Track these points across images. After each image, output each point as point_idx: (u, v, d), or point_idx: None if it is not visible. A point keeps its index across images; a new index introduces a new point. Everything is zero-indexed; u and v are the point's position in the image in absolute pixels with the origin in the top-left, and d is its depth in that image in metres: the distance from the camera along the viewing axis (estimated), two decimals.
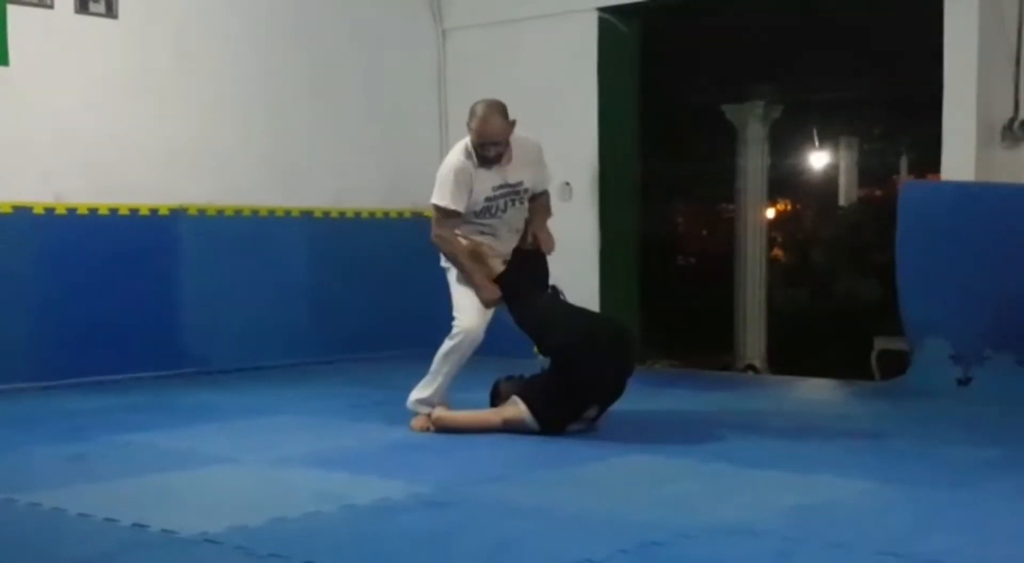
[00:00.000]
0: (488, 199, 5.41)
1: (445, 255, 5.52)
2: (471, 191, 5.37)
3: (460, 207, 5.37)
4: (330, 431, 5.41)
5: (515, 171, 5.45)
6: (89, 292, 7.07)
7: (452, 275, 5.53)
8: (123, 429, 5.36)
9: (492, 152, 5.34)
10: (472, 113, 5.39)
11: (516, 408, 5.19)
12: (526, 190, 5.50)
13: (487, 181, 5.40)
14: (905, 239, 6.80)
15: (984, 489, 4.16)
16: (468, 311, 5.39)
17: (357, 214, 8.51)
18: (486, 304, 5.39)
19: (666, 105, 10.92)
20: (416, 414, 5.41)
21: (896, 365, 8.05)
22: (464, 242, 5.45)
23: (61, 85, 7.01)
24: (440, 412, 5.33)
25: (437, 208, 5.44)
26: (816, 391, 7.44)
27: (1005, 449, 4.93)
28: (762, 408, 6.30)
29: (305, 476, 4.41)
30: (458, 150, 5.44)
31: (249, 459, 4.69)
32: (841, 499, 3.99)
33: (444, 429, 5.25)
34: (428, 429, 5.31)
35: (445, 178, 5.41)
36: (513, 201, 5.48)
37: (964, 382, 6.51)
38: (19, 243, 6.85)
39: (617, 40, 8.52)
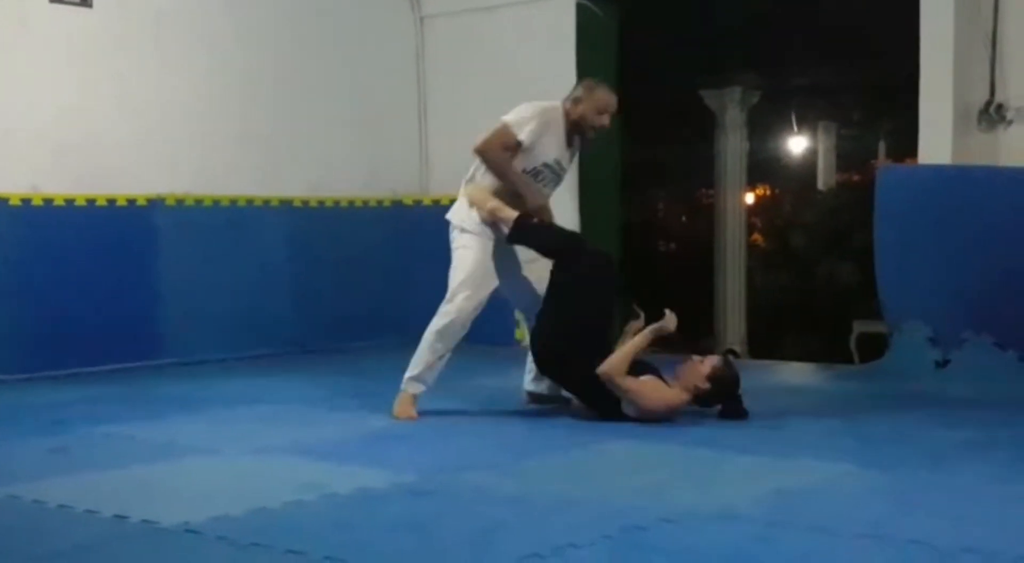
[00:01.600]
0: (544, 165, 5.38)
1: (491, 167, 5.35)
2: (540, 144, 5.32)
3: (526, 143, 5.28)
4: (310, 420, 5.40)
5: (572, 158, 5.51)
6: (67, 283, 7.03)
7: (463, 245, 5.39)
8: (102, 421, 5.34)
9: (597, 131, 5.38)
10: (590, 86, 5.42)
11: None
12: (561, 179, 5.51)
13: (555, 150, 5.37)
14: (883, 223, 6.82)
15: (963, 471, 4.19)
16: (468, 288, 5.28)
17: (336, 203, 8.48)
18: (536, 210, 5.30)
19: (644, 91, 10.91)
20: (404, 392, 5.32)
21: (875, 348, 8.09)
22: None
23: (37, 75, 6.95)
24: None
25: (506, 129, 5.31)
26: (796, 375, 7.47)
27: (984, 431, 4.96)
28: (743, 393, 6.31)
29: (286, 466, 4.40)
30: (555, 104, 5.41)
31: (229, 449, 4.68)
32: (821, 483, 4.01)
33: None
34: (412, 418, 5.27)
35: (533, 113, 5.33)
36: (554, 182, 5.48)
37: (942, 364, 6.54)
38: None
39: (595, 26, 8.50)
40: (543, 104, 5.43)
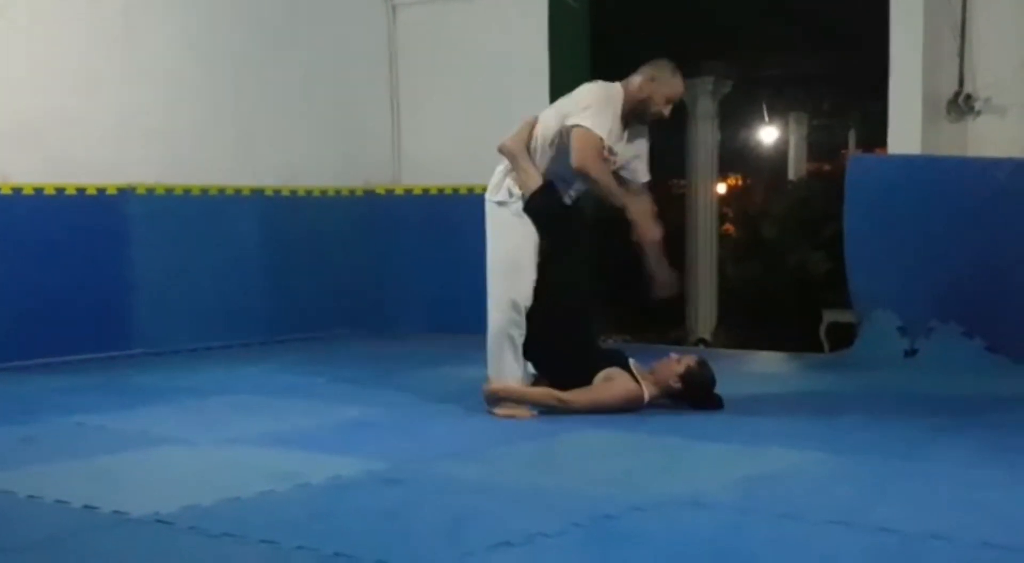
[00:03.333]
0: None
1: (597, 185, 5.03)
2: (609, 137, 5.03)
3: (607, 144, 5.01)
4: (283, 410, 5.39)
5: (629, 149, 5.22)
6: (38, 273, 6.98)
7: (504, 247, 5.17)
8: (73, 410, 5.31)
9: (655, 118, 5.12)
10: (670, 69, 5.10)
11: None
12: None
13: (613, 138, 5.07)
14: (853, 212, 6.86)
15: (931, 458, 4.24)
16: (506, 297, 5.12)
17: (308, 192, 8.46)
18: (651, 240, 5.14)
19: (617, 81, 10.91)
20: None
21: (845, 337, 8.14)
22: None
23: (5, 62, 6.89)
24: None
25: (592, 135, 4.94)
26: (766, 364, 7.51)
27: (951, 418, 5.01)
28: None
29: (258, 455, 4.39)
30: (616, 86, 5.11)
31: (201, 439, 4.67)
32: (791, 470, 4.04)
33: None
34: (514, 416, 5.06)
35: (606, 105, 5.00)
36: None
37: (911, 353, 6.60)
38: None
39: (567, 16, 8.50)
40: (608, 90, 5.09)
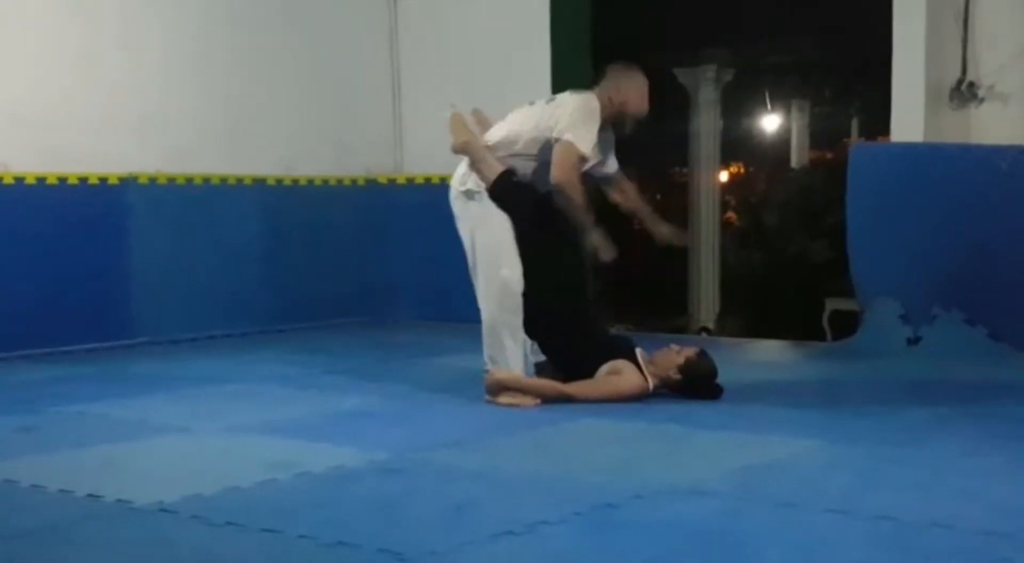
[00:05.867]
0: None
1: (569, 201, 5.10)
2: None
3: (588, 157, 5.10)
4: (282, 399, 5.39)
5: (601, 150, 5.29)
6: (39, 262, 6.98)
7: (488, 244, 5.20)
8: (74, 400, 5.32)
9: (637, 118, 5.21)
10: (627, 68, 5.17)
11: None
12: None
13: (594, 151, 5.17)
14: (855, 200, 6.86)
15: (931, 446, 4.23)
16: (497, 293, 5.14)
17: (310, 181, 8.45)
18: (605, 259, 5.15)
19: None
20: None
21: (847, 325, 8.15)
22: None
23: (6, 53, 6.89)
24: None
25: (574, 149, 5.04)
26: (768, 352, 7.51)
27: (953, 406, 5.01)
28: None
29: (259, 444, 4.40)
30: (595, 102, 5.15)
31: (202, 428, 4.68)
32: (791, 458, 4.04)
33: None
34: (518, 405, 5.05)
35: (588, 119, 5.07)
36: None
37: (914, 341, 6.60)
38: None
39: (569, 4, 8.49)
40: (589, 103, 5.15)
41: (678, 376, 5.11)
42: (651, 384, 5.09)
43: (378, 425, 4.76)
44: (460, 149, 5.32)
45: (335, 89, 8.59)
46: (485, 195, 5.22)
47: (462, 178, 5.33)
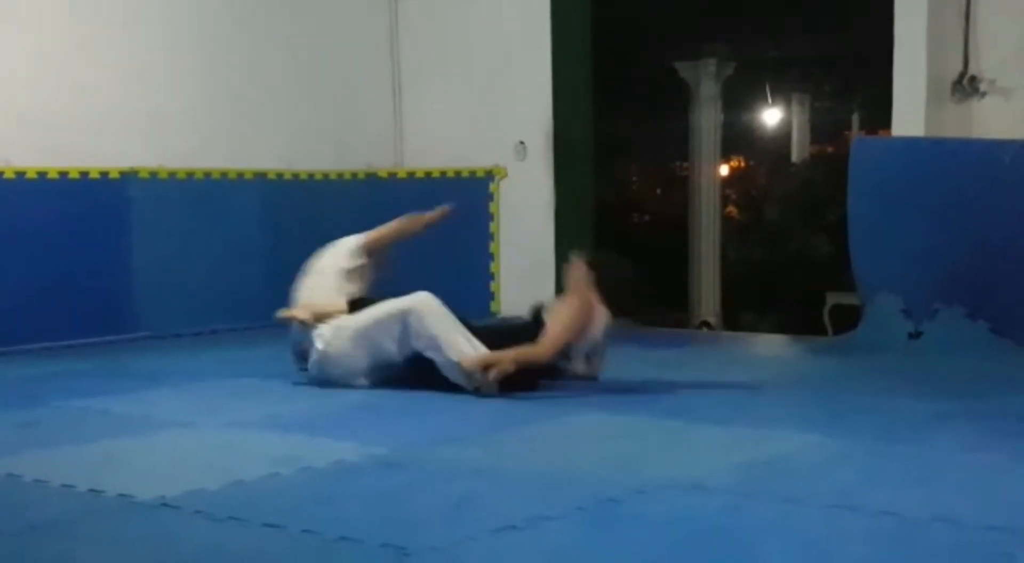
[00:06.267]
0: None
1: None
2: None
3: None
4: (285, 394, 5.39)
5: None
6: (40, 257, 6.99)
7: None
8: (76, 395, 5.32)
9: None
10: None
11: None
12: None
13: None
14: (856, 195, 6.84)
15: (934, 441, 4.23)
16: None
17: (311, 176, 8.45)
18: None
19: (619, 63, 10.90)
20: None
21: (848, 320, 8.14)
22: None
23: (7, 47, 6.88)
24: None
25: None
26: (769, 347, 7.51)
27: (955, 401, 5.00)
28: (715, 365, 6.36)
29: (261, 439, 4.40)
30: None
31: (204, 423, 4.68)
32: (792, 454, 4.04)
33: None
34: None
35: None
36: None
37: (915, 336, 6.59)
38: None
39: (569, 1, 8.48)
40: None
41: (594, 278, 5.13)
42: (591, 297, 5.10)
43: (379, 420, 4.76)
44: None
45: (336, 83, 8.58)
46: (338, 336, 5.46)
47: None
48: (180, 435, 4.49)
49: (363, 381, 5.38)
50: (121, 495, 3.50)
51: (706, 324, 12.34)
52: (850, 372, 5.97)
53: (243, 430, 4.55)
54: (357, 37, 8.74)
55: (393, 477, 3.76)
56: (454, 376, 5.17)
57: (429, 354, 5.20)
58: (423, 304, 5.26)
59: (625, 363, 6.28)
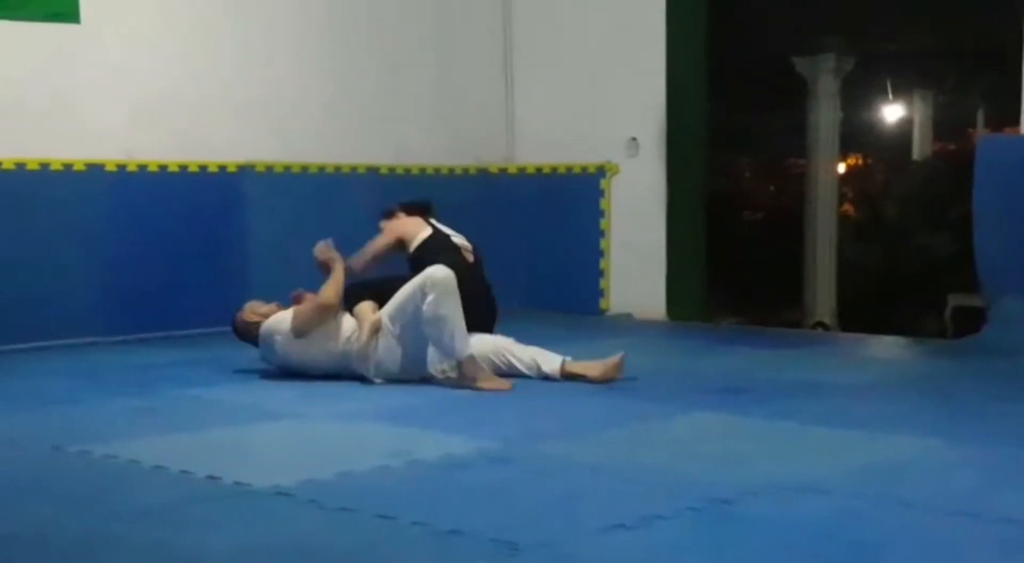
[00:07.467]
0: None
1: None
2: None
3: None
4: (393, 386, 5.42)
5: None
6: (159, 249, 7.16)
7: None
8: (191, 384, 5.44)
9: None
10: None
11: None
12: None
13: None
14: (982, 194, 6.65)
15: None
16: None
17: (423, 170, 8.50)
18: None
19: (735, 58, 10.75)
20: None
21: (971, 322, 7.91)
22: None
23: (130, 43, 7.07)
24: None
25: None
26: (887, 349, 7.33)
27: None
28: (830, 366, 6.23)
29: (371, 431, 4.44)
30: None
31: (316, 414, 4.74)
32: (911, 458, 3.93)
33: None
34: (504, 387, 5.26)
35: None
36: None
37: None
38: (92, 200, 6.95)
39: None
40: None
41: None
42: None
43: (488, 414, 4.75)
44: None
45: (448, 77, 8.61)
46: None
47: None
48: (292, 425, 4.56)
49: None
50: (237, 482, 3.56)
51: (821, 324, 12.11)
52: (971, 376, 5.79)
53: (353, 422, 4.60)
54: (469, 30, 8.76)
55: (503, 471, 3.75)
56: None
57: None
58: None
59: (737, 363, 6.20)
